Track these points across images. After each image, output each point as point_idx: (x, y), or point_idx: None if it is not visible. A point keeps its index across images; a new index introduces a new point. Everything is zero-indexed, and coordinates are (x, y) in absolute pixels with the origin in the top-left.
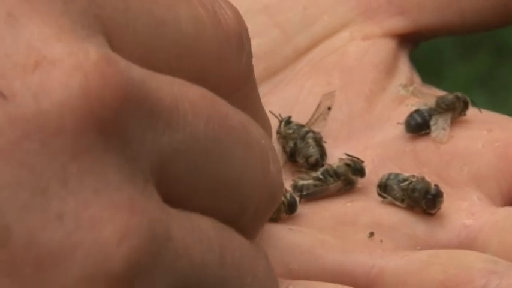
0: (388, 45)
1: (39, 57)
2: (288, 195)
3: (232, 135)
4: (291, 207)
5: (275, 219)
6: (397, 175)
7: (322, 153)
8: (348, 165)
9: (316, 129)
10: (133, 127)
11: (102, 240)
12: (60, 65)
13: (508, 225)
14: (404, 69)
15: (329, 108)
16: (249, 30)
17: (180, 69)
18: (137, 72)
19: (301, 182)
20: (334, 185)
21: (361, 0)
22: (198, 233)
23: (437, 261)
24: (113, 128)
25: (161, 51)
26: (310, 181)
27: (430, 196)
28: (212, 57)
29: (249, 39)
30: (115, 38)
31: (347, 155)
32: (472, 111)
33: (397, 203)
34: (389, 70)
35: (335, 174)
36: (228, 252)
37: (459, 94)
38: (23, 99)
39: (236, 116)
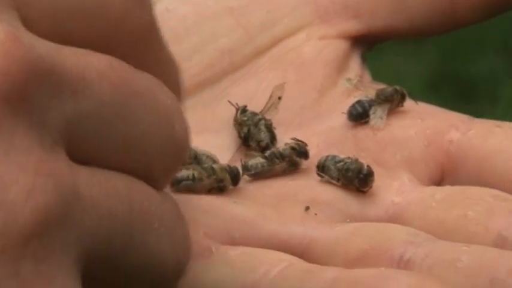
0: (341, 46)
1: None
2: (232, 167)
3: (138, 99)
4: (234, 178)
5: (222, 190)
6: (334, 157)
7: (272, 138)
8: (293, 148)
9: (268, 117)
10: (40, 97)
11: (10, 199)
12: None
13: (430, 202)
14: (355, 67)
15: (279, 98)
16: (216, 30)
17: (88, 31)
18: (43, 46)
19: (249, 162)
20: (280, 165)
21: (319, 5)
22: (105, 187)
23: (363, 233)
24: (19, 99)
25: (68, 19)
26: (258, 162)
27: (362, 175)
28: (117, 18)
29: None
30: (26, 12)
31: (293, 139)
32: (410, 103)
33: (333, 181)
34: (341, 67)
35: (281, 156)
36: (136, 202)
37: (397, 87)
38: None
39: (142, 80)
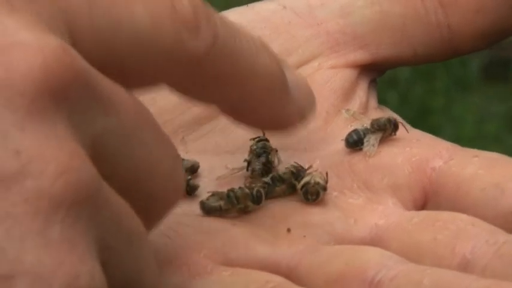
0: (349, 74)
1: (14, 40)
2: (255, 191)
3: (151, 128)
4: (257, 199)
5: (244, 210)
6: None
7: (267, 172)
8: (292, 172)
9: (276, 142)
10: (79, 104)
11: (48, 171)
12: (28, 47)
13: (407, 225)
14: (361, 95)
15: None
16: None
17: (137, 61)
18: (86, 63)
19: (252, 185)
20: (280, 188)
21: (330, 37)
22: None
23: (342, 255)
24: (62, 97)
25: (118, 48)
26: (260, 185)
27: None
28: (168, 45)
29: (209, 21)
30: (78, 39)
31: (295, 163)
32: (403, 132)
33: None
34: (347, 96)
35: (281, 179)
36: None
37: (391, 118)
38: None
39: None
